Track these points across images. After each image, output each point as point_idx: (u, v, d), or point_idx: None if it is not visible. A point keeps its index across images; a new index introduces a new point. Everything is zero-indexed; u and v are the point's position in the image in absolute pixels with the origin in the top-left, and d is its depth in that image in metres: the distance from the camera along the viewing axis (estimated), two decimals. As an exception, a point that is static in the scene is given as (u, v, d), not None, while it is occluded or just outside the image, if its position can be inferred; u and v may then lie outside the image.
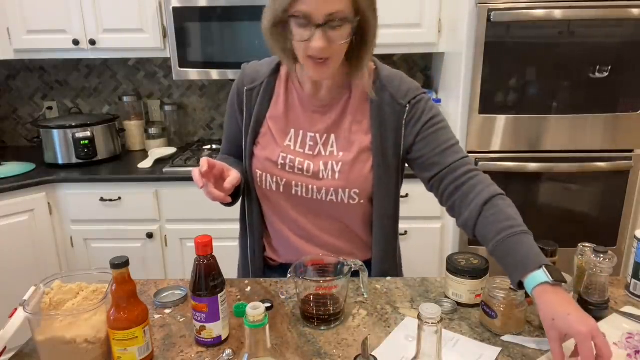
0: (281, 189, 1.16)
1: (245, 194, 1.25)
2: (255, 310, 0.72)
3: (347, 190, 1.13)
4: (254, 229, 1.25)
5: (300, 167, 1.14)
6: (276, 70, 1.18)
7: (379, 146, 1.12)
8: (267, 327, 0.74)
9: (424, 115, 1.11)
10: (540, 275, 0.87)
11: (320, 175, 1.13)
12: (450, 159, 1.09)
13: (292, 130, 1.16)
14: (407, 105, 1.11)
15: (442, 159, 1.09)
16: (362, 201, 1.14)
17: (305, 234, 1.21)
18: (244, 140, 1.20)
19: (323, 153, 1.14)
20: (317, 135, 1.15)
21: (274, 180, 1.16)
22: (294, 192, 1.16)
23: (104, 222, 2.25)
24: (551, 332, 0.83)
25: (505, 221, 0.99)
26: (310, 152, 1.15)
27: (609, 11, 1.91)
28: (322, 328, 1.02)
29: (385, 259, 1.23)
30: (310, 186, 1.14)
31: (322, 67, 1.01)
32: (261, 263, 1.29)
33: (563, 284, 0.86)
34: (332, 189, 1.13)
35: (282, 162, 1.15)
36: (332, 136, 1.14)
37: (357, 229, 1.21)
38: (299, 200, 1.17)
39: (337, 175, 1.12)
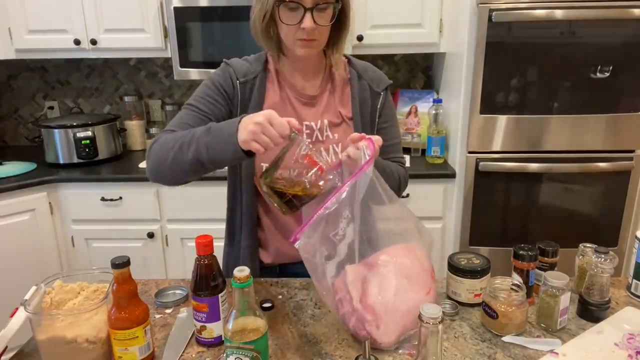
0: None
1: (235, 192, 1.25)
2: (241, 272, 0.79)
3: None
4: (248, 225, 1.24)
5: None
6: (265, 66, 1.22)
7: (359, 127, 1.23)
8: (252, 287, 0.81)
9: (390, 105, 1.29)
10: None
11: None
12: (391, 156, 1.27)
13: None
14: (382, 93, 1.26)
15: (386, 153, 1.26)
16: None
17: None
18: None
19: (320, 138, 1.21)
20: (313, 123, 1.21)
21: None
22: None
23: (105, 222, 2.25)
24: None
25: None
26: (309, 139, 1.20)
27: (610, 11, 1.91)
28: (284, 210, 0.99)
29: None
30: None
31: (309, 45, 1.11)
32: (257, 263, 1.28)
33: None
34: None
35: None
36: (325, 121, 1.22)
37: None
38: None
39: (339, 156, 1.17)
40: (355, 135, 1.01)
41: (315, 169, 0.96)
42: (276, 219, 1.25)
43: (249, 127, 0.94)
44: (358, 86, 1.24)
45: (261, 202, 1.24)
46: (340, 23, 1.15)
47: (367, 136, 1.00)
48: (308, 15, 1.06)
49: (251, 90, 1.20)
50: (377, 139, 1.00)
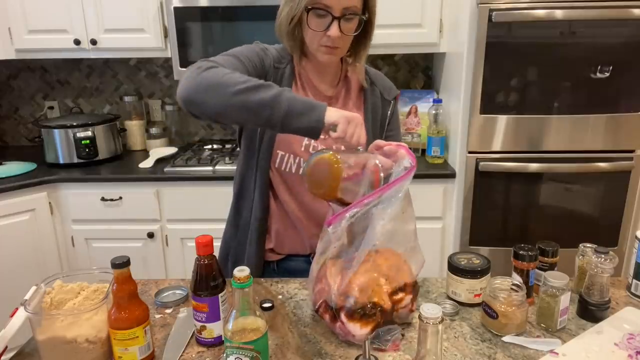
0: (301, 171, 1.22)
1: (249, 176, 1.26)
2: (241, 272, 0.80)
3: None
4: (259, 209, 1.25)
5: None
6: (291, 59, 1.24)
7: (370, 132, 1.24)
8: (252, 287, 0.81)
9: (397, 114, 1.35)
10: None
11: None
12: None
13: None
14: (392, 101, 1.31)
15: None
16: None
17: (315, 215, 1.25)
18: None
19: None
20: None
21: (296, 161, 1.21)
22: None
23: (105, 222, 2.25)
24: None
25: None
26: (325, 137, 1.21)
27: (610, 11, 1.90)
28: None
29: None
30: None
31: (332, 52, 1.14)
32: (260, 260, 1.28)
33: None
34: None
35: (307, 142, 1.21)
36: None
37: None
38: None
39: None
40: (381, 142, 1.04)
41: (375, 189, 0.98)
42: (281, 205, 1.26)
43: (346, 114, 1.00)
44: (370, 92, 1.28)
45: (271, 187, 1.26)
46: (365, 33, 1.18)
47: (398, 144, 1.03)
48: (335, 24, 1.09)
49: (281, 78, 1.22)
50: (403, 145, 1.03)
